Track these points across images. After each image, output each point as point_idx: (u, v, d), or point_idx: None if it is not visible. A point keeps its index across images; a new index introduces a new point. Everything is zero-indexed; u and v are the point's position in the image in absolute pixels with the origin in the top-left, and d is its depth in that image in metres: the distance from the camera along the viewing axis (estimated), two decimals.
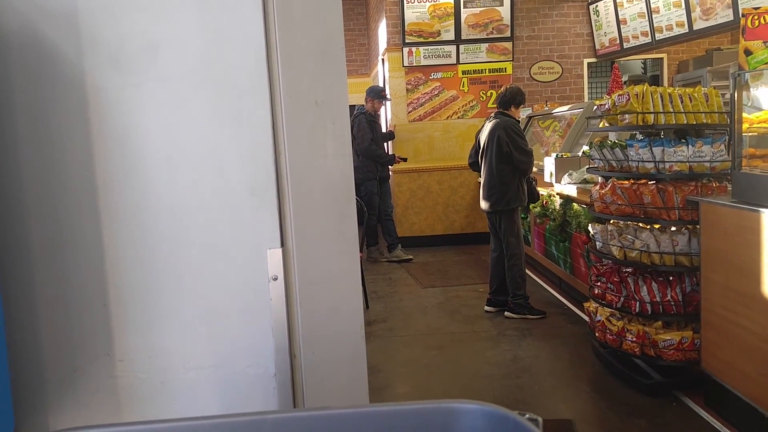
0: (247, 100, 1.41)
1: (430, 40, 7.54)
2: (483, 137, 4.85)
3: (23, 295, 1.38)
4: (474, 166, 5.10)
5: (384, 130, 7.84)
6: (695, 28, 6.13)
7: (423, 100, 7.66)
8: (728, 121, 3.30)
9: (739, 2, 5.44)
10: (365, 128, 6.67)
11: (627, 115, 3.48)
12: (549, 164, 5.44)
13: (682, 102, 3.44)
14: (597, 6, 7.72)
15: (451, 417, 1.02)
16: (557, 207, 5.21)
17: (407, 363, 4.10)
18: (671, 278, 3.44)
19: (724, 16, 5.69)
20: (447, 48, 7.58)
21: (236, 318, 1.45)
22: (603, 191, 3.63)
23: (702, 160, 3.31)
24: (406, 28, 7.49)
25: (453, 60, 7.61)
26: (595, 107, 4.00)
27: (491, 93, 7.62)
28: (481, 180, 4.89)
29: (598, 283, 3.74)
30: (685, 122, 3.44)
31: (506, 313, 4.81)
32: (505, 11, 7.54)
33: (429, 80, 7.64)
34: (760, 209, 2.72)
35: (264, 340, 1.45)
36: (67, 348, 1.41)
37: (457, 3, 7.48)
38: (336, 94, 1.44)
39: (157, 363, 1.44)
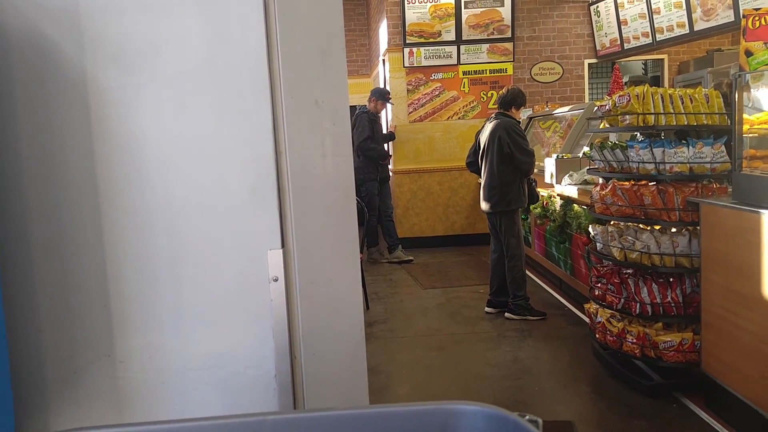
0: (248, 100, 1.41)
1: (431, 40, 7.54)
2: (483, 138, 4.85)
3: (24, 296, 1.38)
4: (471, 166, 5.09)
5: (384, 130, 7.85)
6: (696, 28, 6.12)
7: (424, 101, 7.66)
8: (729, 122, 3.31)
9: (740, 3, 5.44)
10: (365, 125, 6.70)
11: (627, 116, 3.48)
12: (549, 165, 5.44)
13: (682, 103, 3.44)
14: (598, 7, 7.72)
15: (451, 418, 1.02)
16: (558, 208, 5.20)
17: (407, 364, 4.10)
18: (671, 279, 3.44)
19: (725, 17, 5.68)
20: (448, 48, 7.58)
21: (237, 319, 1.45)
22: (603, 192, 3.63)
23: (702, 161, 3.31)
24: (406, 28, 7.49)
25: (454, 60, 7.61)
26: (596, 108, 4.01)
27: (492, 94, 7.62)
28: (482, 181, 4.89)
29: (599, 285, 3.74)
30: (685, 123, 3.45)
31: (506, 314, 4.81)
32: (505, 12, 7.55)
33: (430, 81, 7.64)
34: (761, 210, 2.72)
35: (264, 341, 1.44)
36: (67, 349, 1.41)
37: (457, 3, 7.48)
38: (336, 94, 1.44)
39: (158, 364, 1.44)
